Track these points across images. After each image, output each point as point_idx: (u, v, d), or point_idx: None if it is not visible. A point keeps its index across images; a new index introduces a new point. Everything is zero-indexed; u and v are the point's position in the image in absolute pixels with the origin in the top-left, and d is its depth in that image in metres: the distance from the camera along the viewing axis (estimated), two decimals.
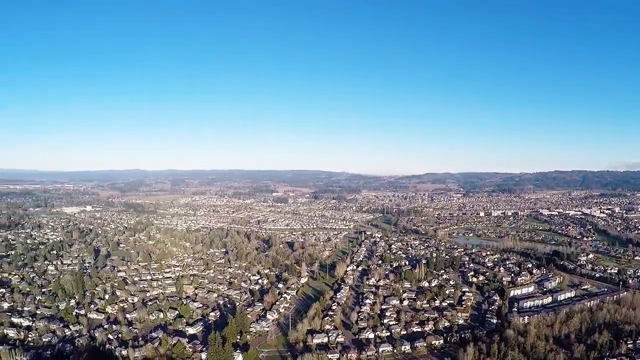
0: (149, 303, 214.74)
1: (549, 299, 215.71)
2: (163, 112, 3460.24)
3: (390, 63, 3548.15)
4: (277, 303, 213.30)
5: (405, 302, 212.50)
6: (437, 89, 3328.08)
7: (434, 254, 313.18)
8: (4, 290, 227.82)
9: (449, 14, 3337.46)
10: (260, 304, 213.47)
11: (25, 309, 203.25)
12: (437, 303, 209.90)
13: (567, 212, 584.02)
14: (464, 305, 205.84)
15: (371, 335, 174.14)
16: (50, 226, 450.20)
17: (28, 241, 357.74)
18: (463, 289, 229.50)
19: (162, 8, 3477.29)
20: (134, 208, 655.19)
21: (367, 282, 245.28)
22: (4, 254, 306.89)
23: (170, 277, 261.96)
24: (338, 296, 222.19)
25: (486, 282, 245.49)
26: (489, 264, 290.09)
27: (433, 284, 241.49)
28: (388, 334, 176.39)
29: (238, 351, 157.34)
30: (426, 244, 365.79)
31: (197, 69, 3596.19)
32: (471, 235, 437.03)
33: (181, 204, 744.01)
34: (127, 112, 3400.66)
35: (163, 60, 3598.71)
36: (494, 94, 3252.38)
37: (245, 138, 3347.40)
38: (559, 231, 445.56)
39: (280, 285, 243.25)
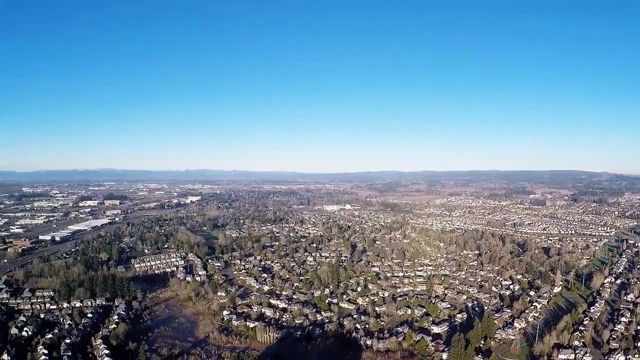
0: (399, 299, 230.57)
1: None
2: (420, 115, 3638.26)
3: None
4: (527, 311, 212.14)
5: None
6: None
7: None
8: (266, 275, 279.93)
9: None
10: (508, 310, 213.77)
11: (283, 293, 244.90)
12: None
13: None
14: None
15: (622, 359, 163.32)
16: (311, 222, 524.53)
17: (291, 234, 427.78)
18: None
19: None
20: (390, 207, 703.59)
21: (625, 298, 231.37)
22: (269, 244, 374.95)
23: (421, 276, 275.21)
24: (591, 310, 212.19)
25: None
26: None
27: None
28: None
29: (480, 356, 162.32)
30: None
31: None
32: None
33: (436, 204, 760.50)
34: (385, 117, 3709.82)
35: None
36: None
37: (500, 138, 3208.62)
38: None
39: (532, 293, 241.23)
